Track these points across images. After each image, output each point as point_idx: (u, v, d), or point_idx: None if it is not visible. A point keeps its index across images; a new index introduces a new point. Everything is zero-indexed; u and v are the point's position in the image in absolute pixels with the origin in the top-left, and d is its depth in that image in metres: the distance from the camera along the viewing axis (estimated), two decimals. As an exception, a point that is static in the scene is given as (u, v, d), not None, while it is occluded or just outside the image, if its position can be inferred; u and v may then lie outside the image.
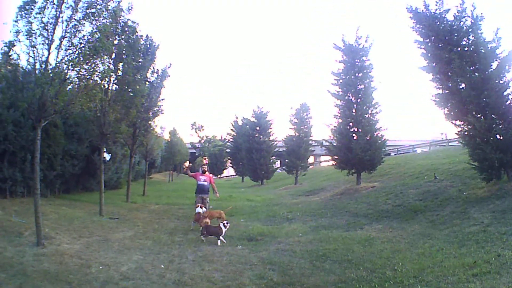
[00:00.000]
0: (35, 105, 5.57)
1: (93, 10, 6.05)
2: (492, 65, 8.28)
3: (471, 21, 8.65)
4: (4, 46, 5.59)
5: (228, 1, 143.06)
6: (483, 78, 8.09)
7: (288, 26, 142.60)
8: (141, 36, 11.26)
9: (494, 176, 8.15)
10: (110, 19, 6.50)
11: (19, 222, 6.74)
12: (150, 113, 13.23)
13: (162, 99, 13.71)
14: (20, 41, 5.59)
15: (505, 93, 8.16)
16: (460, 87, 8.51)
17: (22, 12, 5.61)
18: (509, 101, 8.14)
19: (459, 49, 8.73)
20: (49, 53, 5.67)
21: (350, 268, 5.02)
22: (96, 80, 6.58)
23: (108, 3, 6.37)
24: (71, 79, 5.94)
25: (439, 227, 6.82)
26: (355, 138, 13.43)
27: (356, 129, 13.66)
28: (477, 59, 8.34)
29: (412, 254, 5.35)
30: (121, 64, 9.81)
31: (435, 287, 3.98)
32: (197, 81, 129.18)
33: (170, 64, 13.73)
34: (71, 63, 5.73)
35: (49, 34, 5.69)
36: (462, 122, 8.84)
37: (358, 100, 13.68)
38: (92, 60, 5.98)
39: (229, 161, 40.47)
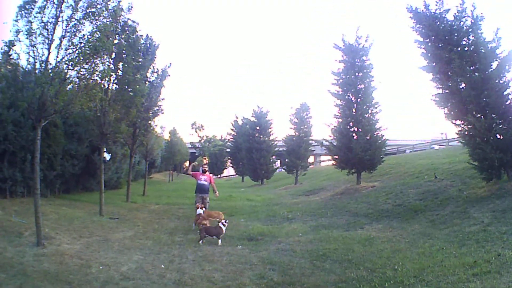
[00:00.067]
0: (35, 105, 5.56)
1: (93, 10, 6.05)
2: (492, 65, 8.27)
3: (471, 21, 8.65)
4: (4, 45, 5.59)
5: (228, 1, 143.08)
6: (483, 78, 8.08)
7: (288, 26, 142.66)
8: (141, 35, 11.28)
9: (494, 175, 8.15)
10: (110, 19, 6.50)
11: (19, 222, 6.73)
12: (150, 112, 13.24)
13: (162, 99, 13.75)
14: (20, 41, 5.58)
15: (505, 93, 8.16)
16: (460, 87, 8.51)
17: (22, 12, 5.60)
18: (509, 101, 8.14)
19: (459, 49, 8.73)
20: (49, 53, 5.67)
21: (351, 267, 5.02)
22: (96, 79, 6.59)
23: (108, 3, 6.37)
24: (71, 78, 5.94)
25: (439, 226, 6.82)
26: (355, 137, 13.43)
27: (356, 129, 13.66)
28: (477, 59, 8.34)
29: (412, 254, 5.35)
30: (121, 63, 9.82)
31: (436, 286, 3.98)
32: (197, 81, 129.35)
33: (170, 63, 13.80)
34: (71, 62, 5.73)
35: (49, 33, 5.69)
36: (462, 122, 8.84)
37: (358, 100, 13.68)
38: (92, 60, 5.98)
39: (229, 160, 40.50)
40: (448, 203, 8.23)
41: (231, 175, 48.68)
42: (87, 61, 5.89)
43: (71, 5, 5.85)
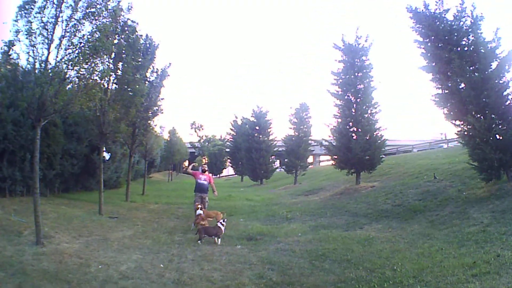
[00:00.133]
0: (35, 105, 5.56)
1: (92, 10, 6.06)
2: (492, 65, 8.28)
3: (471, 21, 8.65)
4: (4, 45, 5.59)
5: (228, 1, 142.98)
6: (483, 78, 8.09)
7: (288, 26, 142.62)
8: (141, 35, 11.28)
9: (493, 176, 8.15)
10: (110, 19, 6.50)
11: (19, 221, 6.73)
12: (150, 112, 13.22)
13: (162, 99, 13.74)
14: (20, 41, 5.59)
15: (505, 93, 8.16)
16: (460, 87, 8.51)
17: (22, 12, 5.60)
18: (508, 101, 8.14)
19: (459, 49, 8.73)
20: (48, 53, 5.67)
21: (350, 268, 5.02)
22: (96, 79, 6.59)
23: (108, 3, 6.38)
24: (70, 78, 5.94)
25: (439, 227, 6.82)
26: (354, 137, 13.44)
27: (355, 129, 13.67)
28: (477, 59, 8.34)
29: (412, 254, 5.35)
30: (120, 63, 9.83)
31: (435, 287, 3.98)
32: (197, 81, 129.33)
33: (170, 63, 13.80)
34: (70, 62, 5.73)
35: (49, 33, 5.69)
36: (462, 122, 8.84)
37: (358, 100, 13.70)
38: (91, 60, 5.98)
39: (229, 160, 40.51)
40: (447, 204, 8.23)
41: (231, 175, 48.73)
42: (87, 61, 5.89)
43: (70, 5, 5.86)
